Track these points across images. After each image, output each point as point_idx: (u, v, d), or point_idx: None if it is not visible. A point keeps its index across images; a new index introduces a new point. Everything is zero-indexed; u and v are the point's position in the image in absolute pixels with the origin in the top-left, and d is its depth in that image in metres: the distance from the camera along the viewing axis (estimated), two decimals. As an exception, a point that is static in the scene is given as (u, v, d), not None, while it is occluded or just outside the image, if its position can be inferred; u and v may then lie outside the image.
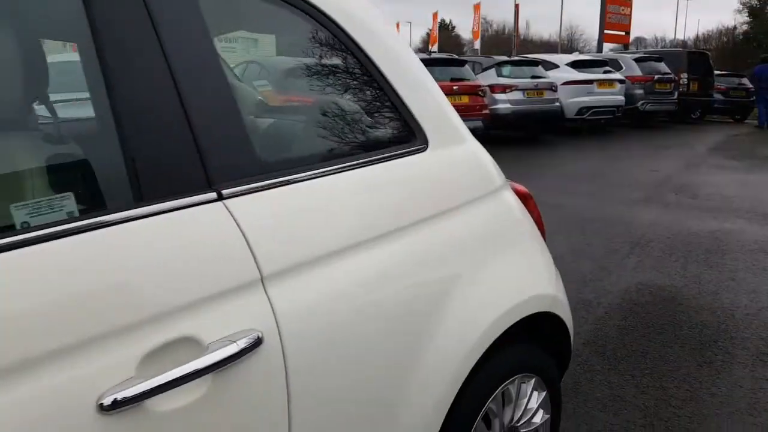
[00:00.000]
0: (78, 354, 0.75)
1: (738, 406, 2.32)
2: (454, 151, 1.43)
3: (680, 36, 61.39)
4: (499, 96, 10.35)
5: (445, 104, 1.46)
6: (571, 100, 11.56)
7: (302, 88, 1.24)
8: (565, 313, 1.65)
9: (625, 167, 8.24)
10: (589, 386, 2.45)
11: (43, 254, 0.76)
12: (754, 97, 15.73)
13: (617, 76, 12.52)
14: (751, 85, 16.21)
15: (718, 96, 16.03)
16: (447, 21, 68.81)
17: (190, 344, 0.85)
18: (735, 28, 44.00)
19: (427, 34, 53.16)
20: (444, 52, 19.89)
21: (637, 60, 14.00)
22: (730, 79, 16.95)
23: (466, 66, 10.23)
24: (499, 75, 10.75)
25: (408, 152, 1.29)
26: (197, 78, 0.96)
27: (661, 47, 62.89)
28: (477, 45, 24.47)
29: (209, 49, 0.99)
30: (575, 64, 12.32)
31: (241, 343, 0.88)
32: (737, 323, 3.08)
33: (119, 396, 0.76)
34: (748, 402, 2.35)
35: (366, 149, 1.24)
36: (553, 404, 1.70)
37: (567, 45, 63.17)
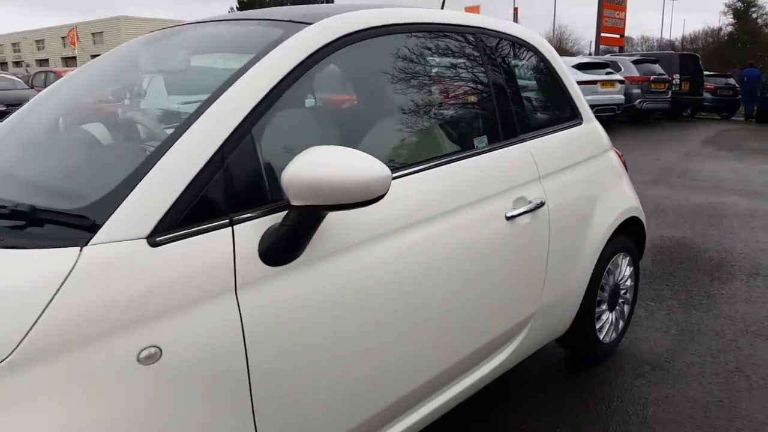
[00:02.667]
0: (500, 197, 1.93)
1: (738, 299, 3.54)
2: (589, 125, 2.62)
3: (666, 35, 63.03)
4: (515, 95, 11.53)
5: (583, 97, 2.64)
6: (578, 99, 12.78)
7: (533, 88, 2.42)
8: (644, 219, 2.85)
9: (630, 157, 9.44)
10: (639, 290, 3.65)
11: (479, 161, 1.93)
12: (740, 96, 17.39)
13: (617, 77, 13.77)
14: (737, 85, 17.72)
15: (707, 95, 17.42)
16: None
17: (524, 200, 2.03)
18: (720, 29, 45.61)
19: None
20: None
21: (634, 62, 15.27)
22: (717, 79, 18.32)
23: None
24: (515, 76, 11.93)
25: (575, 125, 2.49)
26: (514, 91, 2.15)
27: (647, 47, 64.60)
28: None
29: (515, 78, 2.18)
30: (580, 66, 13.55)
31: (538, 202, 2.07)
32: (735, 257, 4.31)
33: (509, 214, 1.94)
34: (744, 296, 3.57)
35: (562, 121, 2.43)
36: (635, 277, 2.90)
37: (556, 45, 64.85)
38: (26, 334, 1.00)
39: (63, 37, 50.69)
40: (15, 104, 13.79)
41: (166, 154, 1.23)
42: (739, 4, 41.91)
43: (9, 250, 1.09)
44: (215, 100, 1.33)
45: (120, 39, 45.45)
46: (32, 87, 15.80)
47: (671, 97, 15.43)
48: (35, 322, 1.01)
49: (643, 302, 3.47)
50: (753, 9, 42.14)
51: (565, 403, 2.44)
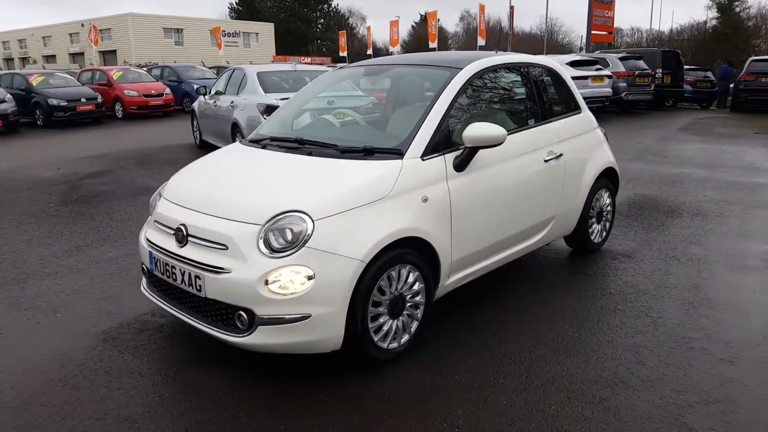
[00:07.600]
0: (542, 150, 3.79)
1: (682, 227, 5.44)
2: (585, 113, 4.49)
3: (655, 27, 65.14)
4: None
5: (581, 96, 4.51)
6: (572, 92, 14.66)
7: (551, 92, 4.28)
8: (618, 170, 4.72)
9: (616, 141, 11.33)
10: (618, 222, 5.54)
11: (533, 131, 3.81)
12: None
13: (606, 72, 15.65)
14: (713, 78, 19.77)
15: (687, 87, 19.38)
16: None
17: (553, 153, 3.89)
18: (705, 22, 47.60)
19: (418, 28, 56.18)
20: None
21: (621, 59, 17.16)
22: (697, 72, 20.30)
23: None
24: (518, 73, 13.80)
25: (577, 113, 4.36)
26: (546, 94, 4.02)
27: (637, 38, 66.80)
28: (482, 42, 27.94)
29: (546, 87, 4.06)
30: (573, 64, 15.41)
31: (559, 154, 3.94)
32: (686, 205, 6.22)
33: (545, 159, 3.81)
34: (686, 225, 5.47)
35: (570, 111, 4.29)
36: (613, 205, 4.79)
37: (548, 38, 66.92)
38: (393, 187, 2.86)
39: (70, 34, 52.08)
40: (74, 99, 15.56)
41: (421, 126, 3.10)
42: (722, -1, 43.90)
43: (379, 160, 2.97)
44: (433, 106, 3.19)
45: (127, 35, 46.92)
46: (81, 84, 17.45)
47: (654, 90, 17.36)
48: (395, 183, 2.88)
49: (620, 228, 5.37)
50: (736, 3, 44.19)
51: (571, 275, 4.34)
